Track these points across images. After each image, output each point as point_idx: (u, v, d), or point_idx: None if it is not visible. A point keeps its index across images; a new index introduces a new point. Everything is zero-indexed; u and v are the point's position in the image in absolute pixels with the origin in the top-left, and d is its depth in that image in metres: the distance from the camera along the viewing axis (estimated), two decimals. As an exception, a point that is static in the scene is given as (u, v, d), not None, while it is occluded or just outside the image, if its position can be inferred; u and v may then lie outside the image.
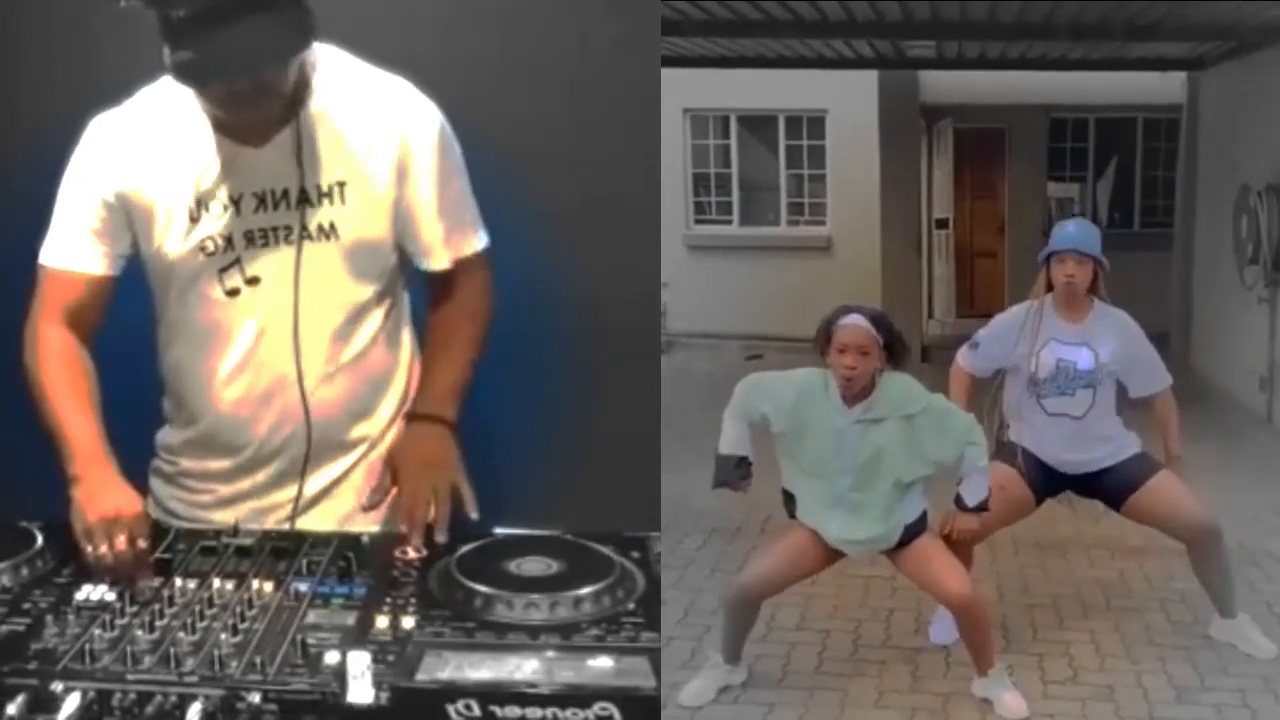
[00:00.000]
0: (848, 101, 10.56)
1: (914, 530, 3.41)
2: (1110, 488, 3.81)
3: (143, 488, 2.48)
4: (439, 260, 2.57)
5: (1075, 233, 3.75)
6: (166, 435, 2.64)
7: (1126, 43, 7.94)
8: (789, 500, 3.48)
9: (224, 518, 2.47)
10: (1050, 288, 3.75)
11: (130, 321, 2.53)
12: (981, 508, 3.49)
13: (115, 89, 2.45)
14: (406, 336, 2.67)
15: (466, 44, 3.04)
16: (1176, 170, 10.14)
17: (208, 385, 2.50)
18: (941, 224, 11.62)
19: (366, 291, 2.51)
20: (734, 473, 3.43)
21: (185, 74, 2.15)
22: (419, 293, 2.68)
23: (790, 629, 4.09)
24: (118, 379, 2.49)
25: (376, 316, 2.55)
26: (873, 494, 3.35)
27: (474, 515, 2.39)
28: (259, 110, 2.30)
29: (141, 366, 2.60)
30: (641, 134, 3.20)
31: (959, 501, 3.49)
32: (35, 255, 2.45)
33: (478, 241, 2.62)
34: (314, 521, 2.52)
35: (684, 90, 9.55)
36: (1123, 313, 3.80)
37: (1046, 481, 3.83)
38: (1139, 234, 11.20)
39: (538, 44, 3.08)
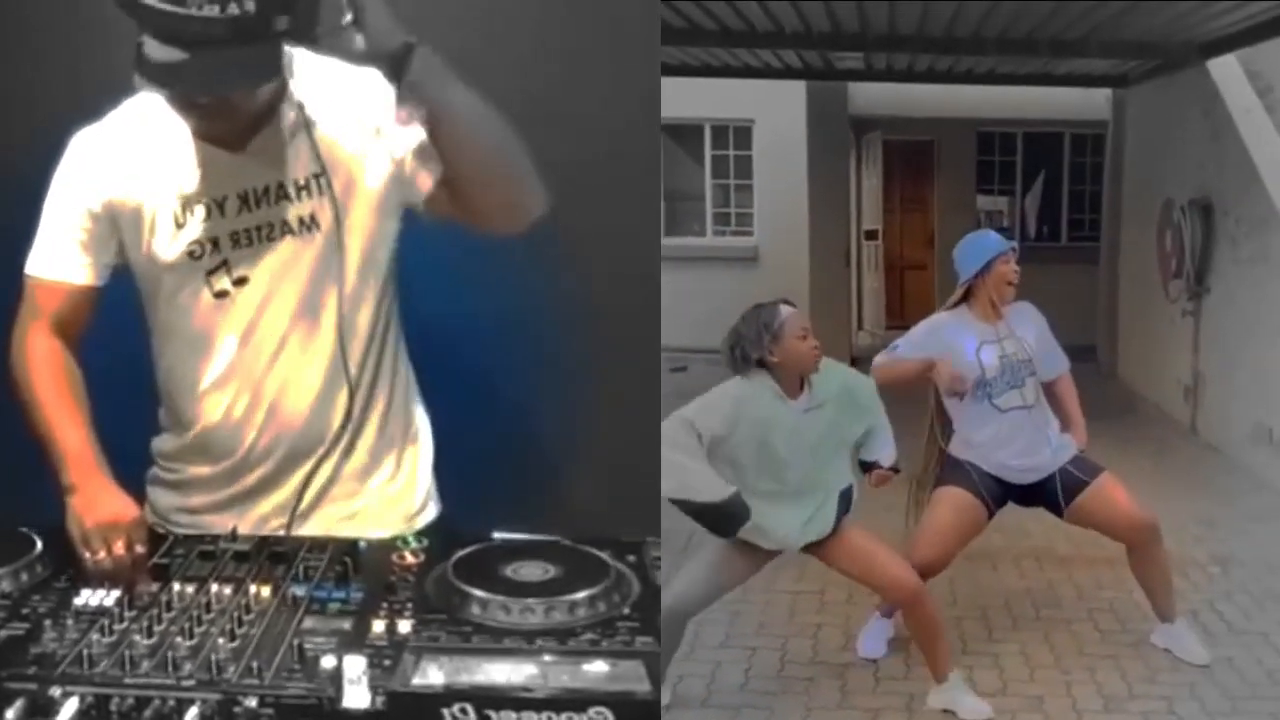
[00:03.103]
0: (775, 112, 10.55)
1: (844, 500, 3.35)
2: (1055, 493, 3.80)
3: (137, 495, 2.48)
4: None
5: (999, 238, 3.79)
6: (164, 442, 2.61)
7: (1052, 58, 8.01)
8: None
9: (221, 523, 2.46)
10: (964, 298, 3.77)
11: (120, 331, 2.51)
12: (895, 467, 3.46)
13: (101, 103, 2.45)
14: (395, 339, 2.60)
15: (463, 46, 2.99)
16: (1102, 185, 10.26)
17: (197, 389, 2.48)
18: (871, 235, 11.69)
19: (349, 285, 2.46)
20: (738, 508, 3.12)
21: (151, 77, 2.13)
22: (414, 302, 2.63)
23: (715, 647, 4.02)
24: (108, 388, 2.49)
25: (365, 315, 2.50)
26: (819, 482, 3.31)
27: None
28: (224, 122, 2.33)
29: (131, 375, 2.57)
30: (641, 137, 3.21)
31: (874, 466, 3.42)
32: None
33: None
34: (308, 525, 2.50)
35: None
36: (1024, 301, 3.83)
37: (999, 494, 3.81)
38: (1066, 247, 11.35)
39: (534, 47, 3.09)
